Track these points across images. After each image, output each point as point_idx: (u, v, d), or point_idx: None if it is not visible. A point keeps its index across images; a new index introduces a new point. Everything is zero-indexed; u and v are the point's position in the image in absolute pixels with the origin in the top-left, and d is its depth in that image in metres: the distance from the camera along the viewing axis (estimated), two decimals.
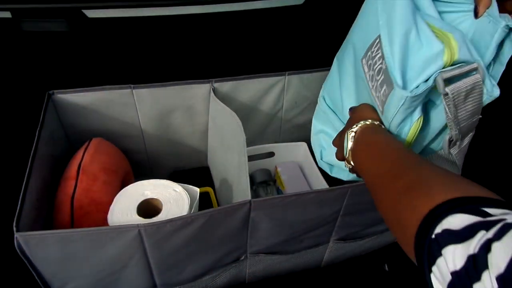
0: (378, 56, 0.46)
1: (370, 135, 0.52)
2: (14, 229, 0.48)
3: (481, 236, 0.28)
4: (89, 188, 0.62)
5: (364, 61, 0.51)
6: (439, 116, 0.47)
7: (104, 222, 0.60)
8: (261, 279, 0.75)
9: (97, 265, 0.56)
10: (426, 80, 0.43)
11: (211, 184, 0.88)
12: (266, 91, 0.84)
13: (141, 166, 0.87)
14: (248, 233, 0.63)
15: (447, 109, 0.42)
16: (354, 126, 0.53)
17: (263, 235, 0.64)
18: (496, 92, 0.43)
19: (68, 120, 0.76)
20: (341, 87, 0.63)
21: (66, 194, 0.61)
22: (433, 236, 0.32)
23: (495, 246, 0.26)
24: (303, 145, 0.90)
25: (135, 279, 0.60)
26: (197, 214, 0.54)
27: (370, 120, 0.53)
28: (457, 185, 0.36)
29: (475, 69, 0.41)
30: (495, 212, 0.30)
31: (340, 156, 0.58)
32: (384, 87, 0.46)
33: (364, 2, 0.55)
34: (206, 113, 0.83)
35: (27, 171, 0.56)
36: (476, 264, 0.27)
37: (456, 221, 0.30)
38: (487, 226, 0.28)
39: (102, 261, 0.55)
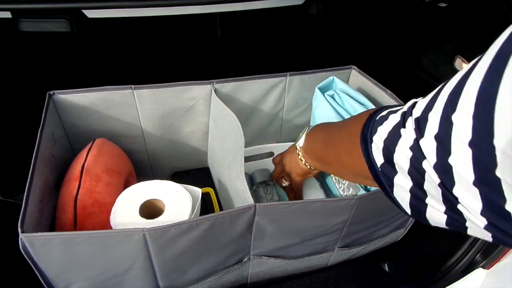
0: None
1: (314, 131, 0.64)
2: (19, 230, 0.48)
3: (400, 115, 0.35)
4: (93, 189, 0.62)
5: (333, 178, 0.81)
6: None
7: (107, 223, 0.60)
8: (263, 280, 0.75)
9: (101, 268, 0.56)
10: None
11: (212, 184, 0.88)
12: (268, 91, 0.84)
13: (142, 166, 0.87)
14: (252, 237, 0.62)
15: None
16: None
17: (267, 238, 0.64)
18: None
19: (68, 121, 0.76)
20: None
21: (69, 194, 0.61)
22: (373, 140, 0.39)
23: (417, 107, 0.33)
24: None
25: (139, 281, 0.60)
26: (202, 218, 0.54)
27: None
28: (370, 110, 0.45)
29: None
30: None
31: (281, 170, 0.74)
32: (351, 189, 0.77)
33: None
34: (207, 114, 0.83)
35: (30, 171, 0.55)
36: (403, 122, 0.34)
37: (387, 124, 0.37)
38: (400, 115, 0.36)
39: (106, 263, 0.55)
